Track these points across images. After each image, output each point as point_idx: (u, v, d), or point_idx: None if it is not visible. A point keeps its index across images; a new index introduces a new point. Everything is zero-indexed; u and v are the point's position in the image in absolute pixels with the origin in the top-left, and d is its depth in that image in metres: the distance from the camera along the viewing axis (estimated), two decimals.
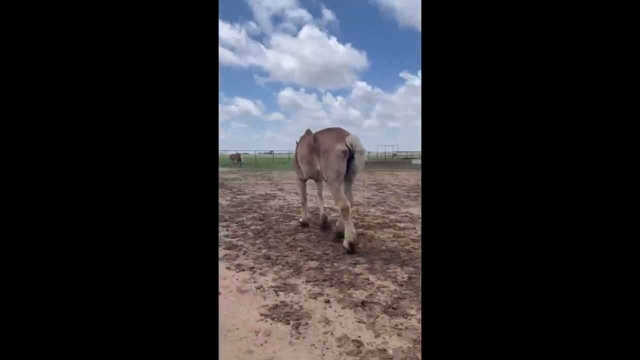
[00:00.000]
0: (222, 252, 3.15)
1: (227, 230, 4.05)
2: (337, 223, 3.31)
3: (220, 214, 5.13)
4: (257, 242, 3.50)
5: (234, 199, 6.72)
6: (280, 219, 4.70)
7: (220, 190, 8.25)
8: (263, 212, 5.23)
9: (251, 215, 4.98)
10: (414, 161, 28.20)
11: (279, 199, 6.77)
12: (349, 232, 2.98)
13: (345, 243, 3.04)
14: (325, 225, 3.91)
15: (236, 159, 23.35)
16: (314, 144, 3.28)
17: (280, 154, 35.29)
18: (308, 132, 3.97)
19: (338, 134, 3.12)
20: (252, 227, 4.18)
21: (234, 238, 3.66)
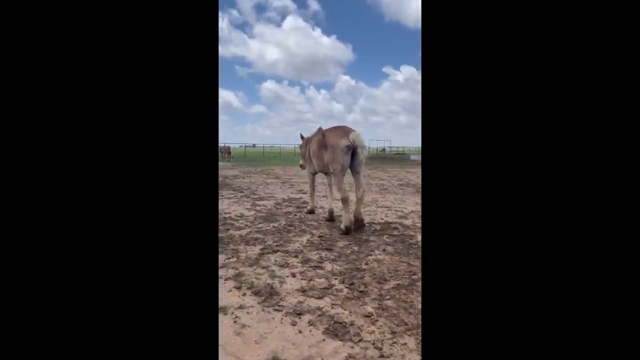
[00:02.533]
0: (332, 344, 1.55)
1: (293, 274, 2.43)
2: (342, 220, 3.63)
3: (254, 234, 3.51)
4: (368, 308, 1.93)
5: (257, 207, 5.07)
6: (353, 247, 3.12)
7: (229, 193, 6.55)
8: (318, 232, 3.62)
9: (305, 239, 3.37)
10: (412, 157, 27.14)
11: (316, 207, 5.16)
12: (347, 218, 3.49)
13: (342, 226, 3.55)
14: (332, 218, 4.19)
15: (226, 153, 21.47)
16: (323, 140, 3.62)
17: (271, 147, 33.17)
18: (320, 129, 4.08)
19: (343, 131, 3.49)
20: (330, 269, 2.59)
21: (320, 298, 2.06)
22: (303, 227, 3.86)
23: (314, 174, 4.44)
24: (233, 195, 6.28)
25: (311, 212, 4.60)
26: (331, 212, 4.21)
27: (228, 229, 3.73)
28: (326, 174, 4.18)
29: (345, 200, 3.46)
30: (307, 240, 3.34)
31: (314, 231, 3.70)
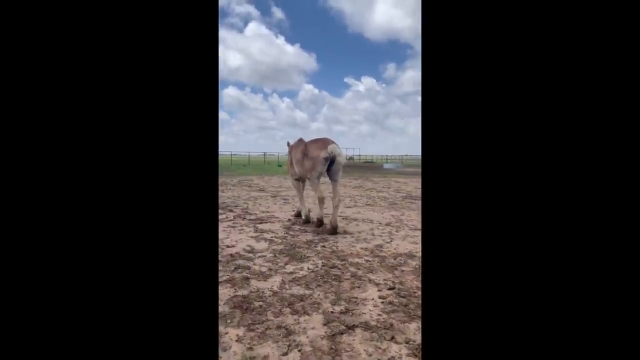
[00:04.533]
0: None
1: None
2: (330, 220, 4.04)
3: (292, 286, 2.33)
4: None
5: (265, 235, 3.86)
6: None
7: (219, 214, 5.22)
8: (382, 279, 2.52)
9: (375, 294, 2.25)
10: (385, 165, 26.94)
11: (352, 237, 4.05)
12: (320, 213, 4.19)
13: (315, 218, 4.33)
14: (308, 220, 4.59)
15: None
16: (305, 150, 4.12)
17: (235, 155, 31.03)
18: (300, 140, 4.62)
19: (323, 143, 3.93)
20: None
21: None
22: (352, 270, 2.74)
23: (298, 179, 4.72)
24: (224, 216, 4.97)
25: (307, 221, 4.63)
26: (307, 215, 4.64)
27: (247, 278, 2.51)
28: (304, 180, 4.62)
29: (321, 200, 4.05)
30: (380, 296, 2.23)
31: (373, 277, 2.59)
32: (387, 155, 45.14)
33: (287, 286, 2.38)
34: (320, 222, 4.21)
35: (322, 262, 2.91)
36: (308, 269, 2.75)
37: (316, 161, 3.89)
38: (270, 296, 2.20)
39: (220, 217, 4.93)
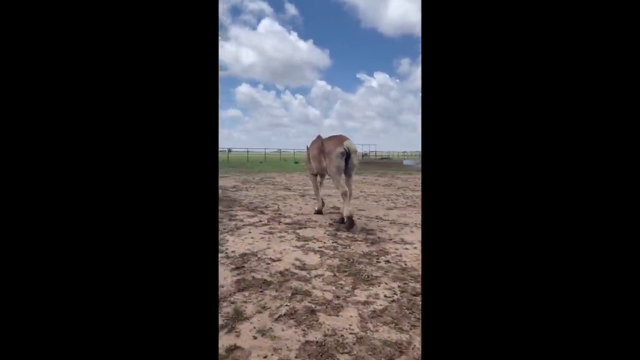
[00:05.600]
0: None
1: None
2: (343, 211, 4.04)
3: (378, 326, 1.72)
4: None
5: (310, 244, 3.25)
6: None
7: (247, 213, 4.67)
8: None
9: None
10: (405, 162, 26.13)
11: (415, 248, 3.40)
12: (347, 210, 3.94)
13: (345, 217, 3.97)
14: (319, 212, 4.91)
15: None
16: (321, 147, 4.26)
17: (253, 152, 30.55)
18: (319, 137, 4.64)
19: (339, 140, 4.09)
20: None
21: None
22: None
23: (315, 175, 4.85)
24: (257, 219, 4.40)
25: (319, 212, 4.92)
26: (320, 208, 4.89)
27: (313, 310, 1.91)
28: (322, 175, 4.78)
29: (344, 194, 3.94)
30: None
31: None
32: (404, 152, 44.06)
33: (370, 326, 1.76)
34: (351, 221, 3.95)
35: (399, 287, 2.29)
36: (385, 296, 2.14)
37: (332, 155, 4.02)
38: (354, 344, 1.59)
39: (252, 219, 4.37)
